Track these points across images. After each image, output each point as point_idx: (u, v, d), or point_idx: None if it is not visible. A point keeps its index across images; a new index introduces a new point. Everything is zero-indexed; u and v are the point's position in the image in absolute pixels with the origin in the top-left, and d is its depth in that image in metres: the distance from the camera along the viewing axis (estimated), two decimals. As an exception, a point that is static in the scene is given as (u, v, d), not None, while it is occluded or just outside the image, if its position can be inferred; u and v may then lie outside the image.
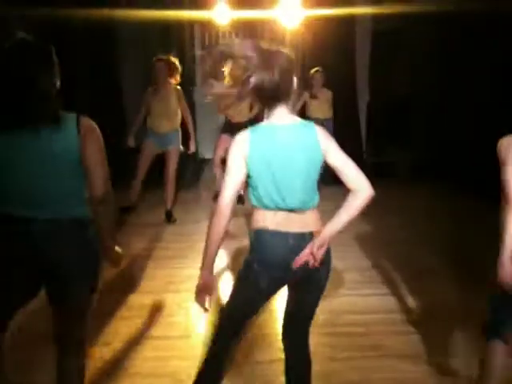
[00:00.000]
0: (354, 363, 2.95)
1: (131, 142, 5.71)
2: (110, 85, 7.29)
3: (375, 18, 7.71)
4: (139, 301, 3.76)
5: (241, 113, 6.04)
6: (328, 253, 2.16)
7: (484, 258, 4.42)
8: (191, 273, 4.29)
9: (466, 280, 4.10)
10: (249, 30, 8.58)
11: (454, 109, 6.98)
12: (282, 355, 2.36)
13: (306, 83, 7.03)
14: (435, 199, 6.61)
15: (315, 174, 2.11)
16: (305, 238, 2.08)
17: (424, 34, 7.26)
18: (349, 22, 7.36)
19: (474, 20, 6.19)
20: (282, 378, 2.38)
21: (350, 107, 7.64)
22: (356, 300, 3.77)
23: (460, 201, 6.39)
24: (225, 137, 6.54)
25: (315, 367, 2.84)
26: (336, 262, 4.49)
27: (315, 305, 2.23)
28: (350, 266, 4.43)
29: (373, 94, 8.16)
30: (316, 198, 2.16)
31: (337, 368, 2.91)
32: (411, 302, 3.75)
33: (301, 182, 2.07)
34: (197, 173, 7.88)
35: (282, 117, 2.06)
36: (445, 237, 5.14)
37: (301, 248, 2.07)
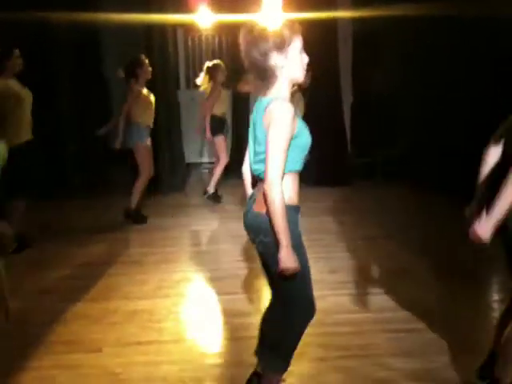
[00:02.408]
0: (344, 362, 2.98)
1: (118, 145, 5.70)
2: (95, 89, 7.29)
3: (356, 21, 7.78)
4: (129, 306, 3.75)
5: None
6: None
7: (464, 256, 4.54)
8: (181, 277, 4.31)
9: (448, 278, 4.16)
10: (232, 33, 8.59)
11: (435, 109, 7.05)
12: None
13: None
14: (419, 199, 6.69)
15: None
16: None
17: (404, 35, 7.34)
18: (330, 24, 7.42)
19: (454, 22, 6.28)
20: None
21: (334, 109, 7.69)
22: (344, 300, 3.80)
23: (443, 200, 6.46)
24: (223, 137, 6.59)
25: (305, 367, 2.89)
26: (323, 263, 4.59)
27: None
28: (337, 266, 4.47)
29: (356, 95, 8.23)
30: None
31: (327, 368, 2.93)
32: (399, 300, 3.78)
33: None
34: (184, 177, 7.88)
35: None
36: (428, 235, 5.22)
37: None
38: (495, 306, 3.84)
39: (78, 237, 5.34)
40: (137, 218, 5.76)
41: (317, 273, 4.23)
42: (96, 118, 7.18)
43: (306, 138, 2.20)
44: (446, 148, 6.81)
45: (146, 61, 5.63)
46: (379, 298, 3.83)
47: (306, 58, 2.19)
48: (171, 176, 7.42)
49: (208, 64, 6.53)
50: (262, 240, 2.20)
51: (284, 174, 2.10)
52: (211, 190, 6.61)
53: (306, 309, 2.32)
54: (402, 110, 7.77)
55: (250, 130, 2.26)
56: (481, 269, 4.50)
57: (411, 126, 7.71)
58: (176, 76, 8.38)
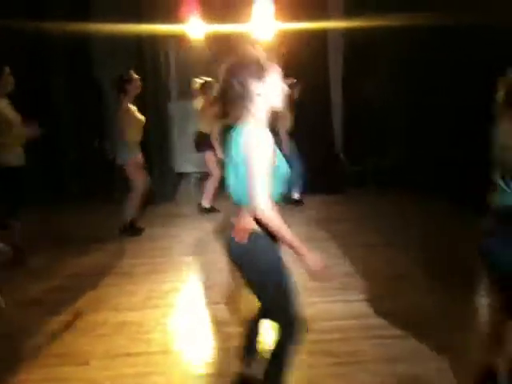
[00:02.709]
0: (333, 369, 2.97)
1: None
2: (89, 97, 7.31)
3: (347, 33, 7.83)
4: (117, 318, 3.73)
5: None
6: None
7: (456, 263, 4.55)
8: (170, 287, 4.29)
9: (440, 284, 4.16)
10: (223, 44, 8.63)
11: (427, 119, 7.10)
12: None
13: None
14: (410, 206, 6.70)
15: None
16: None
17: (395, 46, 7.40)
18: (321, 36, 7.47)
19: (445, 32, 6.33)
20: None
21: (325, 119, 7.72)
22: (332, 307, 3.80)
23: (434, 207, 6.49)
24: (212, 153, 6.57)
25: (294, 375, 2.88)
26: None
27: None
28: (332, 273, 4.45)
29: (347, 106, 8.27)
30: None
31: (315, 375, 2.92)
32: (387, 306, 3.78)
33: None
34: (174, 187, 7.87)
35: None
36: (418, 242, 5.22)
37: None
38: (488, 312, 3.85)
39: (70, 247, 5.34)
40: (132, 231, 5.75)
41: (307, 280, 4.27)
42: (92, 127, 7.25)
43: (284, 169, 2.23)
44: (438, 156, 6.86)
45: (136, 76, 5.60)
46: (367, 305, 3.81)
47: (284, 87, 2.23)
48: (162, 186, 7.41)
49: (201, 81, 6.53)
50: (243, 266, 2.29)
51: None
52: (206, 204, 6.63)
53: (291, 327, 2.33)
54: (393, 120, 7.82)
55: (229, 157, 2.26)
56: (477, 274, 4.51)
57: (402, 136, 7.75)
58: (167, 88, 8.39)
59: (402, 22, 6.42)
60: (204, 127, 6.44)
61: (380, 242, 5.33)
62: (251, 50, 2.18)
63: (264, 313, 2.49)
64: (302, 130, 7.19)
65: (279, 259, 2.30)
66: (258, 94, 2.15)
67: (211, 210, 6.64)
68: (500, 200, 2.34)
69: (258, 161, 2.07)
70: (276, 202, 2.18)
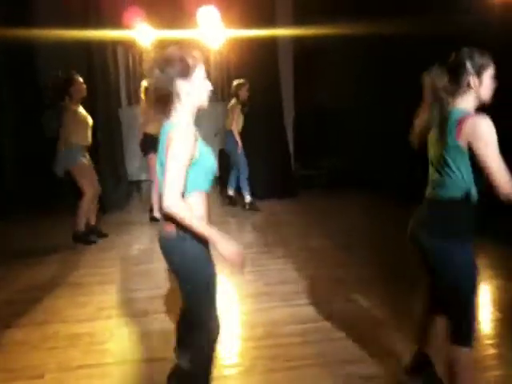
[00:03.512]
0: (295, 373, 2.96)
1: None
2: (33, 109, 7.04)
3: (296, 38, 7.94)
4: (70, 330, 3.60)
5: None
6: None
7: (409, 262, 4.65)
8: (122, 297, 4.19)
9: (395, 285, 4.23)
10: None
11: (377, 121, 7.26)
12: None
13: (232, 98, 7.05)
14: (360, 207, 6.82)
15: None
16: None
17: (344, 52, 7.56)
18: (271, 41, 7.52)
19: (390, 39, 6.51)
20: None
21: (277, 123, 7.77)
22: (294, 311, 3.79)
23: (384, 209, 6.63)
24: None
25: (255, 380, 2.86)
26: (273, 275, 4.60)
27: None
28: (287, 277, 4.48)
29: (298, 109, 8.37)
30: None
31: (278, 379, 2.91)
32: (347, 308, 3.83)
33: None
34: (127, 195, 7.71)
35: None
36: (372, 243, 5.32)
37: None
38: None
39: (17, 259, 5.12)
40: (86, 239, 5.58)
41: (265, 285, 4.27)
42: (36, 141, 6.94)
43: (210, 162, 2.24)
44: (390, 157, 7.00)
45: (79, 78, 5.42)
46: (328, 307, 3.84)
47: (209, 85, 2.24)
48: (114, 194, 7.24)
49: (145, 84, 6.41)
50: (171, 259, 2.28)
51: (190, 192, 2.15)
52: (156, 213, 6.47)
53: (211, 330, 2.32)
54: (344, 123, 7.96)
55: (158, 154, 2.27)
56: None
57: (352, 138, 7.90)
58: (117, 93, 8.25)
59: (351, 29, 6.58)
60: (150, 128, 6.31)
61: (329, 244, 5.38)
62: (176, 48, 2.19)
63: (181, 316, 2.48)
64: (255, 134, 7.23)
65: (210, 275, 2.29)
66: (186, 93, 2.16)
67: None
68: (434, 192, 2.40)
69: (173, 157, 2.08)
70: (206, 193, 2.22)
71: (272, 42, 7.60)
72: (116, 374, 3.02)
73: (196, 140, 2.16)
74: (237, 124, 6.90)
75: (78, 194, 5.55)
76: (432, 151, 2.42)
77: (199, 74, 2.19)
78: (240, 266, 2.18)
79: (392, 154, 6.87)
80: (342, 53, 7.57)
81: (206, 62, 8.47)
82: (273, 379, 2.91)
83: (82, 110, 5.47)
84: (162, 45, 7.12)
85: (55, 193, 6.94)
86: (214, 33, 7.26)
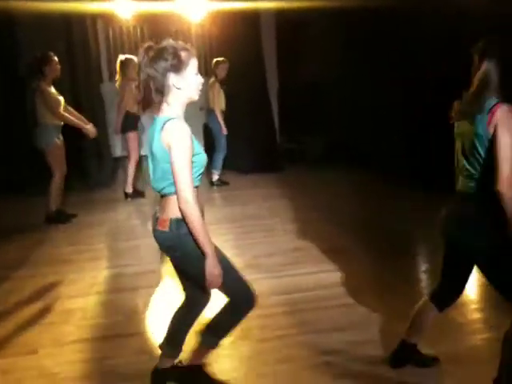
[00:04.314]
0: (283, 341, 3.05)
1: None
2: (11, 84, 6.92)
3: (279, 12, 7.87)
4: (62, 306, 3.65)
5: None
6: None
7: (393, 234, 4.78)
8: (112, 273, 4.24)
9: (379, 255, 4.36)
10: (154, 24, 8.45)
11: (360, 94, 7.28)
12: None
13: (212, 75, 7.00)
14: (346, 181, 6.90)
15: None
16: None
17: (327, 25, 7.52)
18: (253, 14, 7.45)
19: (375, 11, 6.48)
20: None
21: (261, 96, 7.75)
22: (281, 281, 3.89)
23: (368, 182, 6.73)
24: (136, 134, 6.45)
25: (246, 350, 2.95)
26: (260, 248, 4.68)
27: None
28: (274, 250, 4.57)
29: (282, 82, 8.35)
30: None
31: (267, 348, 3.00)
32: (332, 277, 3.93)
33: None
34: (112, 172, 7.67)
35: None
36: (356, 216, 5.42)
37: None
38: (423, 276, 4.08)
39: (4, 237, 5.10)
40: (60, 218, 5.57)
41: (253, 258, 4.36)
42: (16, 116, 6.84)
43: (202, 159, 2.28)
44: (379, 131, 7.05)
45: (55, 58, 5.32)
46: (313, 277, 3.94)
47: (200, 79, 2.26)
48: (99, 171, 7.22)
49: (121, 58, 6.34)
50: (173, 255, 2.34)
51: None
52: (129, 189, 6.50)
53: (246, 299, 2.39)
54: (330, 95, 7.94)
55: (148, 147, 2.29)
56: (411, 244, 4.76)
57: (337, 113, 7.91)
58: (98, 69, 8.13)
59: (335, 0, 6.54)
60: (129, 107, 6.27)
61: (316, 217, 5.47)
62: (170, 41, 2.20)
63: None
64: (240, 110, 7.22)
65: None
66: (178, 88, 2.18)
67: (137, 193, 6.55)
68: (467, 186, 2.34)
69: (181, 156, 2.12)
70: (196, 187, 2.23)
71: (254, 15, 7.53)
72: (109, 348, 3.08)
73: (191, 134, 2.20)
74: (218, 102, 6.85)
75: (50, 174, 5.52)
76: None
77: (192, 69, 2.21)
78: (214, 286, 2.23)
79: (381, 128, 6.92)
80: (325, 25, 7.52)
81: (188, 36, 8.44)
82: (263, 348, 3.00)
83: (53, 89, 5.39)
84: (144, 18, 7.06)
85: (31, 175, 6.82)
86: (195, 5, 7.18)
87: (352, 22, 7.02)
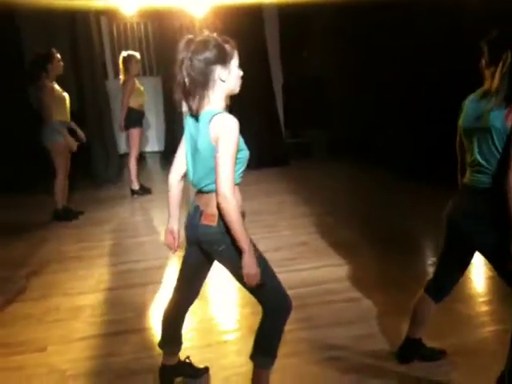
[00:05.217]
0: (290, 336, 3.03)
1: None
2: (15, 81, 6.94)
3: (282, 5, 7.83)
4: (71, 303, 3.68)
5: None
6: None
7: (398, 229, 4.77)
8: (121, 270, 4.26)
9: (385, 249, 4.36)
10: (158, 19, 8.45)
11: (365, 89, 7.26)
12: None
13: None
14: (350, 176, 6.91)
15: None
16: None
17: (330, 19, 7.49)
18: (256, 9, 7.43)
19: (380, 4, 6.44)
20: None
21: (265, 91, 7.75)
22: (288, 276, 3.86)
23: (373, 177, 6.71)
24: (139, 130, 6.47)
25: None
26: (267, 242, 4.69)
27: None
28: (281, 244, 4.58)
29: (287, 76, 8.33)
30: None
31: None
32: (338, 272, 3.94)
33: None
34: (119, 169, 7.70)
35: None
36: (361, 210, 5.43)
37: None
38: (429, 270, 4.07)
39: (7, 235, 5.13)
40: (67, 215, 5.60)
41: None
42: (20, 113, 6.86)
43: (246, 153, 2.23)
44: (381, 126, 7.03)
45: (58, 55, 5.34)
46: (320, 272, 3.95)
47: (241, 72, 2.22)
48: (105, 168, 7.25)
49: (123, 54, 6.35)
50: (217, 250, 2.24)
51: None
52: (135, 186, 6.51)
53: (283, 305, 2.37)
54: (335, 90, 7.93)
55: (187, 143, 2.23)
56: (417, 238, 4.75)
57: (342, 107, 7.90)
58: (103, 66, 8.14)
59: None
60: (132, 102, 6.29)
61: (321, 211, 5.47)
62: (210, 33, 2.15)
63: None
64: (244, 105, 7.20)
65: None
66: (222, 80, 2.13)
67: (143, 189, 6.56)
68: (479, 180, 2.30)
69: (227, 150, 2.05)
70: (237, 185, 2.20)
71: (258, 9, 7.51)
72: (118, 345, 3.10)
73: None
74: None
75: (54, 173, 5.54)
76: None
77: (235, 61, 2.17)
78: (250, 283, 2.17)
79: (386, 122, 6.90)
80: (329, 19, 7.49)
81: (192, 31, 8.42)
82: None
83: (57, 86, 5.42)
84: (148, 14, 7.02)
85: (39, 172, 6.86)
86: (198, 0, 7.16)
87: (355, 16, 6.99)
